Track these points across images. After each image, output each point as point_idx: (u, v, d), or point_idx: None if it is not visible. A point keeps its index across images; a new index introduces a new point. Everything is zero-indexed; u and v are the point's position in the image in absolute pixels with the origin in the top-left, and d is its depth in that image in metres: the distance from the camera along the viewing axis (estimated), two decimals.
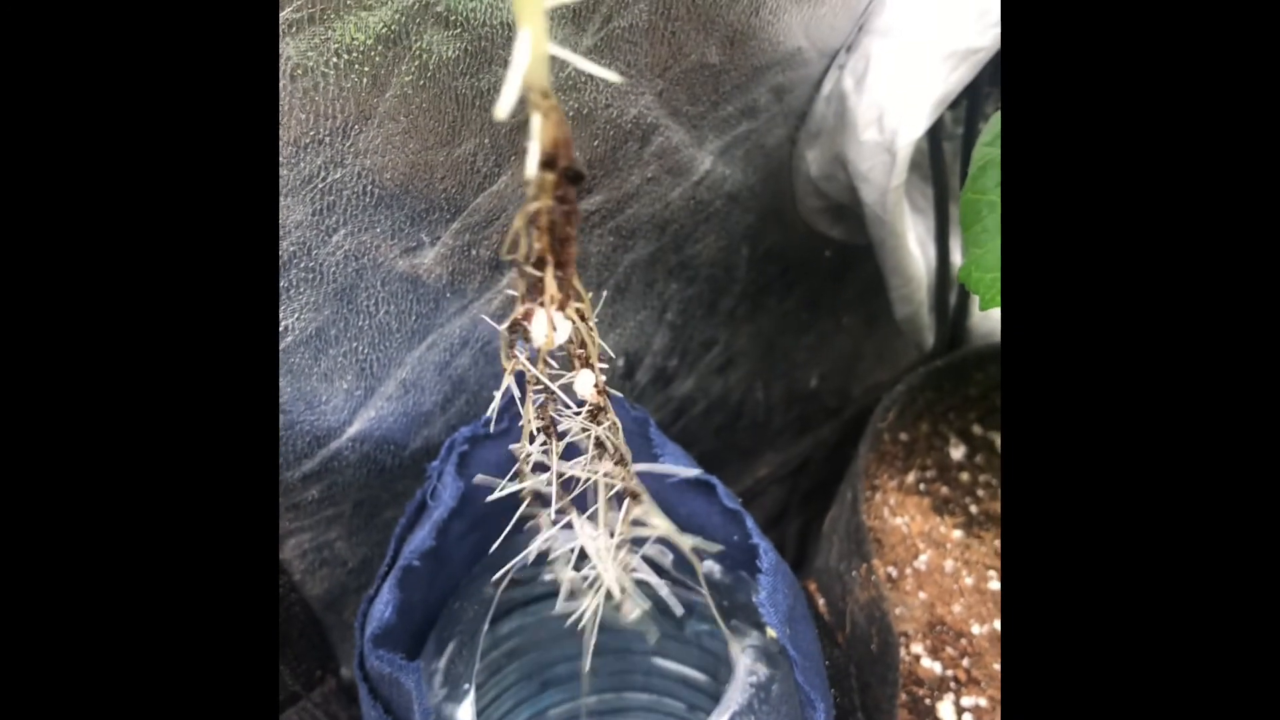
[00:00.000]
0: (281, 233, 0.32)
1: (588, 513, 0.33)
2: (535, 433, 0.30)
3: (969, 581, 0.46)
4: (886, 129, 0.44)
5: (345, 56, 0.30)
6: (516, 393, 0.30)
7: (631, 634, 0.48)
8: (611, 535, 0.32)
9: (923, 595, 0.46)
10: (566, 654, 0.46)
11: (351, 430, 0.38)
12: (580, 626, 0.36)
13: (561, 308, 0.24)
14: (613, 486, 0.32)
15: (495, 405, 0.31)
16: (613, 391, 0.40)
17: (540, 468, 0.32)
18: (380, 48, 0.30)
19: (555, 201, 0.21)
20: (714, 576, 0.41)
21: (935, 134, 0.49)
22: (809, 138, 0.47)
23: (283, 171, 0.31)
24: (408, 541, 0.38)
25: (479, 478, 0.37)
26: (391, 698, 0.36)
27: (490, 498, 0.34)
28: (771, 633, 0.37)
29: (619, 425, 0.31)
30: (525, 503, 0.33)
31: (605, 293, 0.45)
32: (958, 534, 0.48)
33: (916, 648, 0.44)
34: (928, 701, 0.42)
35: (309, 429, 0.37)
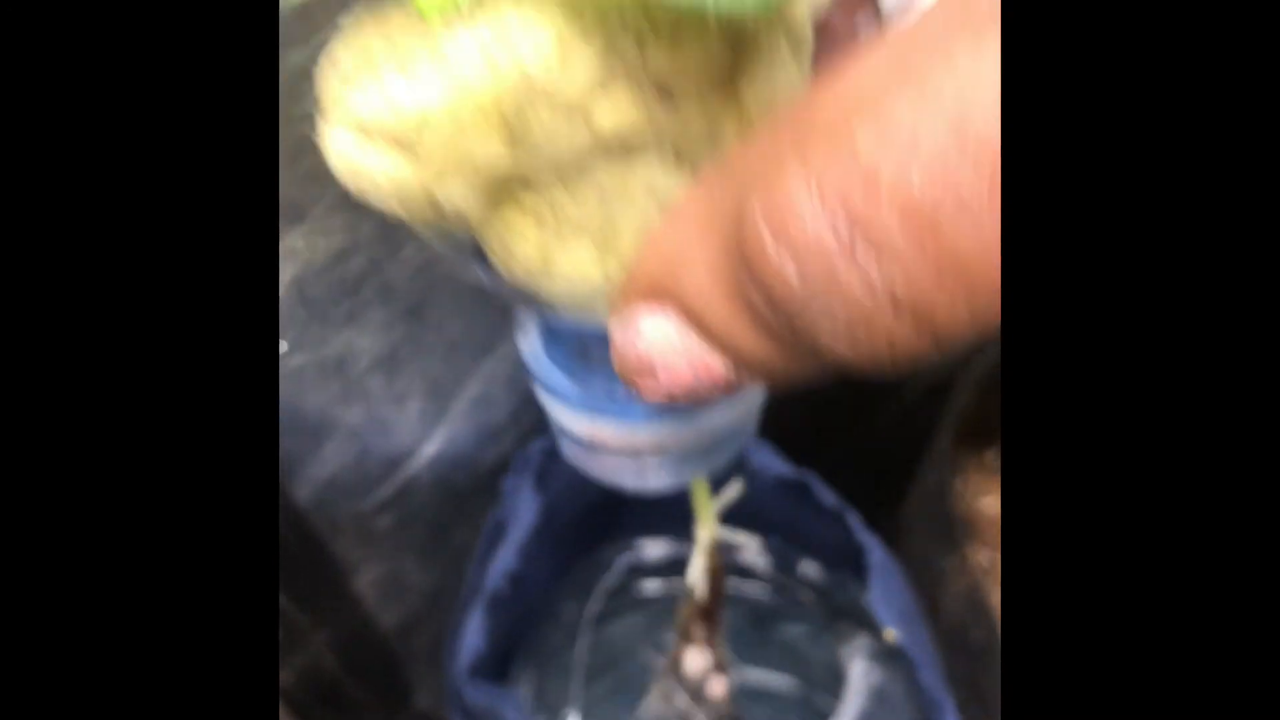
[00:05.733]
0: (352, 248, 0.30)
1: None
2: None
3: None
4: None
5: None
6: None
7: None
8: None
9: None
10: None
11: (426, 451, 0.36)
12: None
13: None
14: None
15: None
16: None
17: None
18: None
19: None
20: (814, 577, 0.39)
21: None
22: None
23: None
24: (490, 564, 0.36)
25: None
26: None
27: None
28: (888, 634, 0.35)
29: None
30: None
31: None
32: None
33: None
34: None
35: (383, 454, 0.35)
